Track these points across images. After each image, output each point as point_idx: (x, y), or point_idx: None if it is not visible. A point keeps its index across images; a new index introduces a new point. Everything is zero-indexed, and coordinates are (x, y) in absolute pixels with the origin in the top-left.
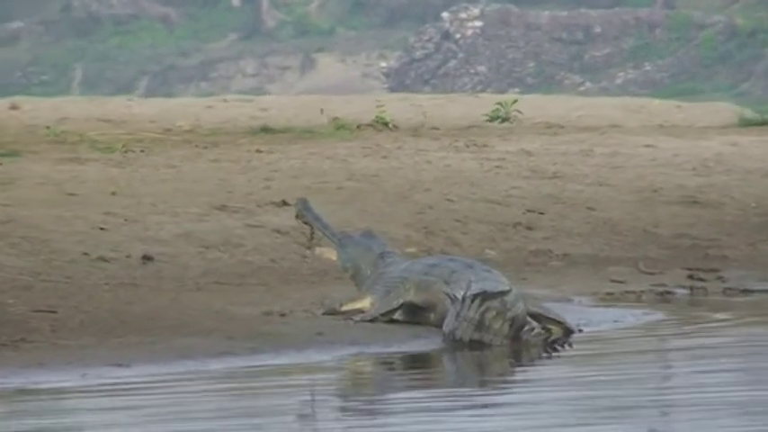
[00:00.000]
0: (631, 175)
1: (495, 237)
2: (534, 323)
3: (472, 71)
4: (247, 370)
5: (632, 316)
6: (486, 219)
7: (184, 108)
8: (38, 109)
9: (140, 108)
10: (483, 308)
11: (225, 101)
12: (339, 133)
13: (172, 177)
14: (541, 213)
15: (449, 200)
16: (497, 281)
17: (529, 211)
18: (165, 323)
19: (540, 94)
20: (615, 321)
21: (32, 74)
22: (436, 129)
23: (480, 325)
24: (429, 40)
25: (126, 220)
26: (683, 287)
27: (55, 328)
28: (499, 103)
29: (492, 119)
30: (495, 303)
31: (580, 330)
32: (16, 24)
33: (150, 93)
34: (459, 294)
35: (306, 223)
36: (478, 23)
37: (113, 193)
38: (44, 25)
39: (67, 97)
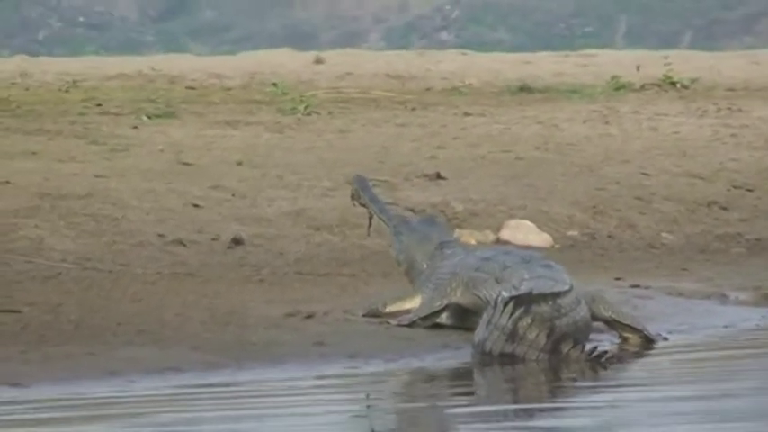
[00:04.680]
0: None
1: (679, 218)
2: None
3: None
4: (172, 391)
5: (761, 319)
6: (678, 196)
7: (496, 64)
8: (340, 63)
9: (448, 63)
10: (517, 314)
11: (566, 56)
12: (606, 94)
13: (329, 145)
14: (749, 191)
15: (643, 174)
16: (555, 279)
17: (735, 187)
18: (132, 328)
19: None
20: (726, 327)
21: (575, 25)
22: (731, 90)
23: (513, 335)
24: None
25: (234, 195)
26: None
27: None
28: None
29: None
30: (541, 308)
31: (665, 339)
32: None
33: (694, 46)
34: (494, 295)
35: (363, 206)
36: None
37: (239, 163)
38: None
39: (381, 52)
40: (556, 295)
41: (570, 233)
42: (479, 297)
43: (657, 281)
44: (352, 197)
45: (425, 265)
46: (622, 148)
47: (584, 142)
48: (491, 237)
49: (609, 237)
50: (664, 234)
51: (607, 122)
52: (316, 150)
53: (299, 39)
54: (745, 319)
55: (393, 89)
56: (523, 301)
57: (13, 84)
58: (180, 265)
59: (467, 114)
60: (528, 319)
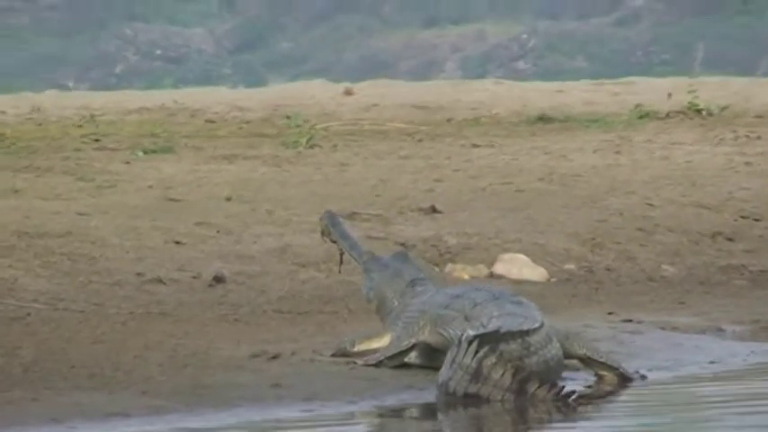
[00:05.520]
0: None
1: (681, 250)
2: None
3: None
4: None
5: (750, 354)
6: (683, 227)
7: (529, 93)
8: (370, 95)
9: (480, 93)
10: (481, 353)
11: (600, 84)
12: (626, 123)
13: (326, 179)
14: (757, 220)
15: (648, 204)
16: (525, 316)
17: (742, 217)
18: (85, 371)
19: None
20: (712, 362)
21: (653, 53)
22: (759, 117)
23: (477, 375)
24: None
25: (219, 231)
26: None
27: None
28: None
29: None
30: (509, 346)
31: (642, 377)
32: (638, 2)
33: None
34: (461, 333)
35: (333, 242)
36: None
37: (228, 199)
38: (665, 3)
39: (427, 82)
40: (525, 333)
41: (567, 266)
42: (445, 336)
43: (652, 315)
44: (323, 233)
45: (396, 303)
46: (629, 179)
47: (591, 173)
48: (485, 271)
49: (607, 270)
50: (664, 266)
51: (618, 152)
52: (311, 184)
53: (377, 69)
54: (734, 355)
55: (415, 120)
56: (489, 339)
57: (28, 119)
58: (155, 305)
59: (475, 146)
60: (493, 359)
